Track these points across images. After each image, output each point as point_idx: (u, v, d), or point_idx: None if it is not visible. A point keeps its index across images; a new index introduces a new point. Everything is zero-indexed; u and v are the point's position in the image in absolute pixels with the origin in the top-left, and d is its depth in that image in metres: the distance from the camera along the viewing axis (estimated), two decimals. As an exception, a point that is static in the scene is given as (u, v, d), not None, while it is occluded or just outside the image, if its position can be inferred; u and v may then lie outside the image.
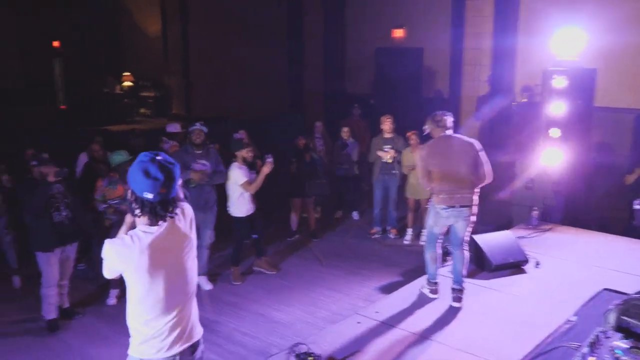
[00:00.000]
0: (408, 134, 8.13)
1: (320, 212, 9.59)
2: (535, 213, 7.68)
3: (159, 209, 2.82)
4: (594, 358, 3.34)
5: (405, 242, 8.46)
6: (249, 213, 7.06)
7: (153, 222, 2.85)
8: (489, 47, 10.67)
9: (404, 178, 8.46)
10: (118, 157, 6.38)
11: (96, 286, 6.88)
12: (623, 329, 3.45)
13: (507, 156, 8.52)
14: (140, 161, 2.80)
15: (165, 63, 18.03)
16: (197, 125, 6.85)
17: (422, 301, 5.65)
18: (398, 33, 12.51)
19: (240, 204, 6.99)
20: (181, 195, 3.01)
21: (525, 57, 10.13)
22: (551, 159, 7.71)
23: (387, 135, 8.45)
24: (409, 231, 8.55)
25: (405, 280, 6.76)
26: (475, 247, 6.26)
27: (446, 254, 5.96)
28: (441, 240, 5.65)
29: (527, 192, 8.16)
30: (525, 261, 6.37)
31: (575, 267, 6.38)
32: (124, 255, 2.80)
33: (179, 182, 3.00)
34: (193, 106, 17.30)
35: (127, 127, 14.37)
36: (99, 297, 6.63)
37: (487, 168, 5.32)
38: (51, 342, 5.73)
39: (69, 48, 17.76)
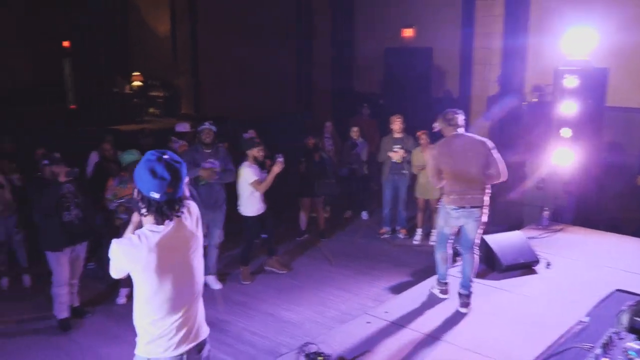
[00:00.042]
0: (418, 133, 8.10)
1: (330, 211, 9.58)
2: (546, 213, 7.64)
3: (166, 209, 2.81)
4: (607, 359, 3.31)
5: (415, 242, 8.43)
6: (259, 212, 7.06)
7: (159, 221, 2.84)
8: (499, 47, 10.60)
9: (413, 178, 8.44)
10: (129, 156, 6.39)
11: (106, 285, 6.89)
12: (636, 330, 3.42)
13: (517, 156, 8.46)
14: (147, 160, 2.78)
15: (174, 63, 18.07)
16: (206, 125, 6.86)
17: (431, 301, 5.62)
18: (407, 33, 12.47)
19: (250, 203, 6.99)
20: (187, 193, 3.00)
21: (535, 56, 10.06)
22: (562, 159, 7.66)
23: (397, 135, 8.42)
24: (419, 231, 8.52)
25: (414, 281, 6.75)
26: (485, 247, 6.22)
27: (456, 254, 5.93)
28: (452, 241, 5.61)
29: (538, 192, 8.11)
30: (536, 262, 6.33)
31: (586, 267, 6.33)
32: (131, 254, 2.79)
33: (186, 180, 2.99)
34: (202, 106, 17.31)
35: (137, 127, 14.40)
36: (108, 296, 6.65)
37: (501, 166, 5.24)
38: (61, 341, 5.75)
39: (79, 48, 17.83)
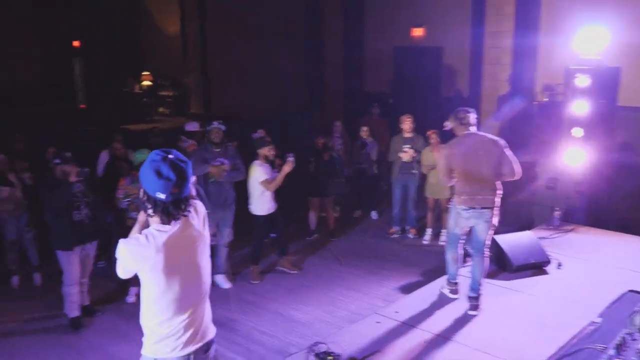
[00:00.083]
0: (428, 133, 8.05)
1: (339, 211, 9.56)
2: (557, 213, 7.59)
3: (172, 209, 2.79)
4: (621, 360, 3.29)
5: (425, 242, 8.40)
6: (269, 212, 7.05)
7: (166, 221, 2.82)
8: (509, 46, 10.56)
9: (423, 177, 8.40)
10: (141, 155, 6.40)
11: (116, 284, 6.90)
12: (650, 332, 3.39)
13: (528, 156, 8.41)
14: (152, 160, 2.75)
15: (184, 62, 18.11)
16: (215, 124, 6.86)
17: (441, 301, 5.60)
18: (417, 32, 12.43)
19: (261, 203, 6.99)
20: (194, 192, 2.99)
21: (546, 55, 10.01)
22: (573, 158, 7.62)
23: (407, 135, 8.39)
24: (428, 231, 8.49)
25: (424, 280, 6.73)
26: (496, 247, 6.18)
27: (466, 255, 5.89)
28: (463, 241, 5.57)
29: (549, 192, 8.06)
30: (547, 262, 6.29)
31: (598, 268, 6.29)
32: (139, 254, 2.77)
33: (193, 179, 2.97)
34: (211, 105, 17.35)
35: (146, 126, 14.43)
36: (118, 295, 6.66)
37: (514, 165, 5.18)
38: (71, 340, 5.77)
39: (89, 48, 17.91)
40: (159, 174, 2.71)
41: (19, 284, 7.05)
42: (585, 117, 7.47)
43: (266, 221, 7.11)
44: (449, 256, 5.61)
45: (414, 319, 5.21)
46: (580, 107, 7.46)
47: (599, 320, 4.80)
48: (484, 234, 5.30)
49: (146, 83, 18.29)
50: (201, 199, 3.08)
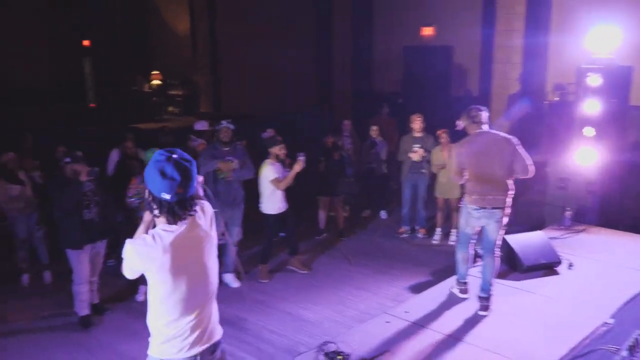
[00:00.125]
0: (438, 132, 8.03)
1: (349, 210, 9.54)
2: (568, 213, 7.53)
3: (177, 209, 2.77)
4: (634, 362, 3.25)
5: (434, 242, 8.37)
6: (280, 211, 7.04)
7: (172, 221, 2.80)
8: (520, 45, 10.53)
9: (433, 177, 8.37)
10: (152, 154, 6.39)
11: (125, 282, 6.90)
12: (664, 333, 3.35)
13: (539, 156, 8.36)
14: (156, 161, 2.74)
15: (194, 61, 18.13)
16: (224, 123, 6.86)
17: (451, 301, 5.56)
18: (427, 31, 12.41)
19: (271, 202, 6.98)
20: (201, 193, 2.97)
21: (557, 55, 9.96)
22: (585, 158, 7.57)
23: (417, 134, 8.36)
24: (438, 231, 8.45)
25: (434, 280, 6.70)
26: (507, 248, 6.14)
27: (477, 255, 5.85)
28: (474, 241, 5.53)
29: (560, 192, 8.01)
30: (558, 262, 6.24)
31: (610, 268, 6.22)
32: (145, 255, 2.76)
33: (200, 179, 2.95)
34: (221, 104, 17.36)
35: (156, 125, 14.47)
36: (128, 293, 6.67)
37: (528, 162, 5.12)
38: (81, 338, 5.78)
39: (99, 47, 17.96)
40: (163, 174, 2.70)
41: (29, 282, 7.07)
42: (596, 117, 7.42)
43: (276, 220, 7.10)
44: (459, 256, 5.58)
45: (424, 318, 5.18)
46: (591, 107, 7.41)
47: (611, 321, 4.76)
48: (495, 234, 5.25)
49: (156, 82, 18.32)
50: (208, 199, 3.05)
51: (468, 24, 11.42)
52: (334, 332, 5.55)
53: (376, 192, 9.70)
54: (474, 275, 5.73)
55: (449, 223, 8.33)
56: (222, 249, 5.81)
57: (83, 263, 5.88)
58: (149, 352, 2.97)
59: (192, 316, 2.87)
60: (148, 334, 2.98)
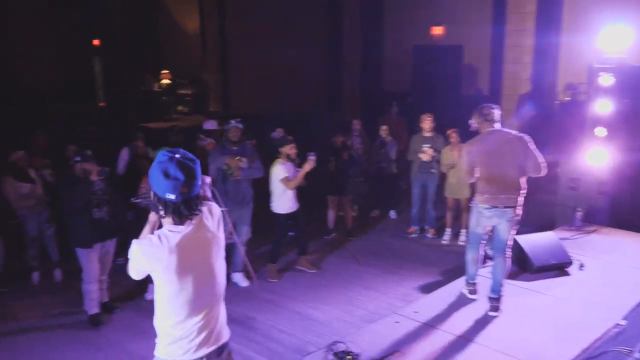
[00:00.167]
0: (448, 132, 8.00)
1: (358, 210, 9.52)
2: (579, 214, 7.48)
3: (183, 209, 2.76)
4: (647, 364, 3.21)
5: (444, 242, 8.34)
6: (290, 211, 7.04)
7: (178, 222, 2.79)
8: (530, 45, 10.47)
9: (443, 177, 8.34)
10: None
11: (135, 281, 6.92)
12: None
13: (550, 156, 8.31)
14: (159, 162, 2.73)
15: (203, 60, 18.15)
16: (233, 123, 6.86)
17: (461, 301, 5.53)
18: (437, 30, 12.36)
19: (282, 201, 6.98)
20: (209, 194, 2.96)
21: (568, 54, 9.91)
22: (596, 158, 7.52)
23: (427, 134, 8.33)
24: (448, 231, 8.42)
25: (443, 280, 6.67)
26: (517, 248, 6.09)
27: (487, 257, 5.81)
28: (484, 242, 5.49)
29: (571, 192, 7.95)
30: (569, 263, 6.19)
31: (621, 269, 6.18)
32: (152, 255, 2.75)
33: (208, 180, 2.94)
34: (230, 103, 17.37)
35: (165, 125, 14.49)
36: (137, 292, 6.68)
37: (540, 161, 5.07)
38: (90, 336, 5.79)
39: (109, 46, 18.01)
40: (166, 174, 2.69)
41: (40, 280, 7.10)
42: (608, 117, 7.38)
43: (287, 220, 7.10)
44: (469, 256, 5.53)
45: (434, 319, 5.15)
46: (603, 107, 7.37)
47: (623, 322, 4.72)
48: (506, 234, 5.21)
49: (165, 81, 18.35)
50: (216, 200, 3.03)
51: (478, 24, 11.38)
52: (343, 331, 5.54)
53: (385, 192, 9.68)
54: (484, 276, 5.71)
55: (459, 223, 8.30)
56: (230, 248, 5.80)
57: (93, 262, 5.89)
58: (156, 352, 2.96)
59: (199, 317, 2.86)
60: (157, 333, 2.97)
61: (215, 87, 17.83)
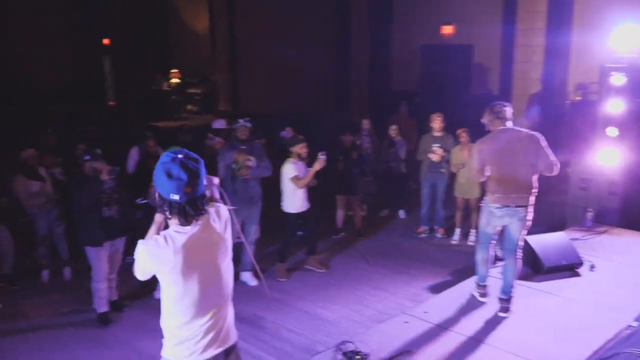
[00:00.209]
0: (458, 131, 7.97)
1: (367, 210, 9.50)
2: (590, 214, 7.43)
3: (188, 209, 2.74)
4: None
5: (453, 242, 8.30)
6: (300, 210, 7.03)
7: (184, 222, 2.78)
8: (541, 44, 10.42)
9: (452, 176, 8.30)
10: None
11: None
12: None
13: (561, 156, 8.25)
14: (162, 163, 2.73)
15: (212, 59, 18.19)
16: (241, 122, 6.87)
17: (471, 302, 5.50)
18: (447, 30, 12.32)
19: (292, 200, 6.98)
20: (217, 195, 2.94)
21: (579, 53, 9.85)
22: (608, 158, 7.47)
23: (437, 134, 8.30)
24: (457, 231, 8.38)
25: (453, 281, 6.64)
26: (527, 248, 6.04)
27: (496, 258, 5.77)
28: (494, 242, 5.44)
29: (582, 192, 7.90)
30: (580, 264, 6.15)
31: (632, 270, 6.13)
32: (157, 256, 2.74)
33: (216, 181, 2.92)
34: (239, 103, 17.41)
35: (174, 124, 14.53)
36: (146, 290, 6.67)
37: (553, 159, 5.02)
38: (99, 334, 5.81)
39: (118, 46, 18.07)
40: (169, 175, 2.68)
41: (49, 278, 7.13)
42: (620, 116, 7.32)
43: (297, 219, 7.09)
44: (479, 257, 5.47)
45: (443, 319, 5.12)
46: (615, 106, 7.32)
47: (635, 324, 4.67)
48: (518, 233, 5.15)
49: (175, 80, 18.41)
50: (225, 202, 3.01)
51: (488, 23, 11.33)
52: (352, 331, 5.52)
53: (395, 192, 9.65)
54: (494, 277, 5.67)
55: (468, 223, 8.25)
56: (238, 248, 5.80)
57: (102, 260, 5.90)
58: (162, 353, 2.96)
59: (206, 319, 2.85)
60: (163, 334, 2.97)
61: (225, 87, 17.88)
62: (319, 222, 8.23)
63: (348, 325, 5.83)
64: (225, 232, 2.94)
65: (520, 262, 5.30)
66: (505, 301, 5.22)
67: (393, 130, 9.16)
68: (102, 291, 5.95)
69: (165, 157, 2.74)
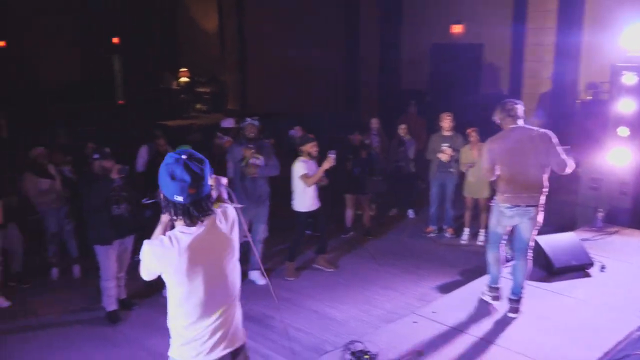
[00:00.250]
0: (468, 130, 7.94)
1: (376, 209, 9.48)
2: (600, 214, 7.38)
3: (193, 210, 2.72)
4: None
5: (462, 242, 8.26)
6: (310, 209, 7.02)
7: (189, 223, 2.76)
8: (552, 43, 10.36)
9: (462, 176, 8.26)
10: None
11: (151, 278, 6.94)
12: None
13: (571, 155, 8.22)
14: (166, 164, 2.71)
15: (222, 58, 18.21)
16: (248, 121, 6.88)
17: (480, 302, 5.46)
18: (457, 29, 12.29)
19: (302, 199, 6.98)
20: (225, 195, 2.92)
21: (590, 53, 9.78)
22: (619, 158, 7.42)
23: (446, 133, 8.26)
24: (466, 230, 8.34)
25: (462, 281, 6.61)
26: (537, 249, 5.99)
27: (507, 260, 5.73)
28: (504, 242, 5.39)
29: (593, 192, 7.84)
30: (590, 264, 6.11)
31: (643, 271, 6.08)
32: (162, 257, 2.73)
33: (224, 181, 2.91)
34: (248, 102, 17.42)
35: (183, 123, 14.56)
36: (155, 289, 6.67)
37: (565, 158, 4.94)
38: (108, 332, 5.83)
39: (128, 45, 18.14)
40: (173, 176, 2.67)
41: (59, 276, 7.15)
42: (631, 116, 7.27)
43: (307, 218, 7.09)
44: (490, 257, 5.40)
45: (452, 319, 5.10)
46: (626, 106, 7.26)
47: (646, 325, 4.63)
48: (528, 233, 5.08)
49: (184, 79, 18.46)
50: (232, 202, 2.99)
51: (499, 22, 11.28)
52: (361, 331, 5.51)
53: (404, 191, 9.62)
54: (504, 277, 5.62)
55: (477, 223, 8.22)
56: (245, 247, 5.79)
57: (111, 259, 5.91)
58: (170, 352, 2.96)
59: (212, 319, 2.84)
60: (170, 334, 2.97)
61: (234, 86, 17.89)
62: (329, 222, 8.23)
63: (357, 325, 5.82)
64: (232, 233, 2.92)
65: (530, 263, 5.25)
66: (515, 302, 5.18)
67: (402, 129, 9.14)
68: (111, 289, 5.97)
69: (169, 158, 2.73)
